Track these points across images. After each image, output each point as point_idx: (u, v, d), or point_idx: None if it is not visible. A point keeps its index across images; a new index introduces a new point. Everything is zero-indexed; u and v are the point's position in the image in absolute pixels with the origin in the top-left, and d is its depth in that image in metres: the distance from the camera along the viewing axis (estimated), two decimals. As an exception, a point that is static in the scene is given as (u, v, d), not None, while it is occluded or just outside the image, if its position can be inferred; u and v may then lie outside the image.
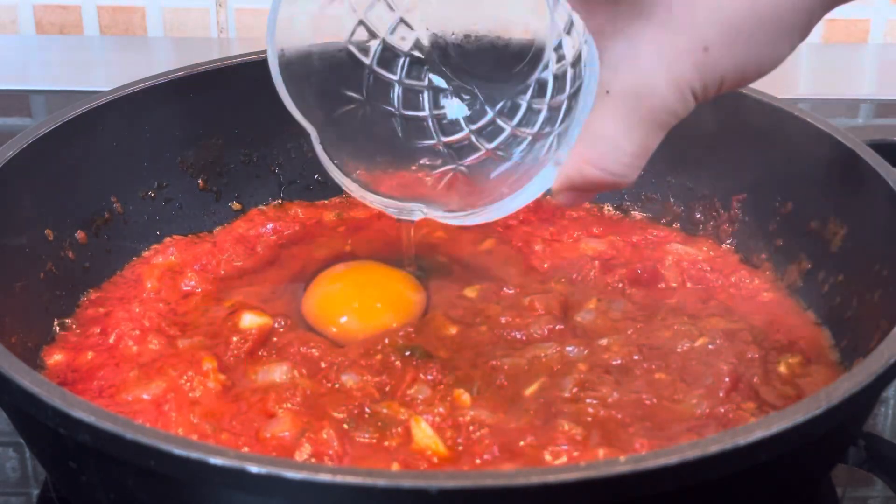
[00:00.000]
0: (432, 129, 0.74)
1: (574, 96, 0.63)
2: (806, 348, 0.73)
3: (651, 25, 0.53)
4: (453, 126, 0.73)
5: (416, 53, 0.72)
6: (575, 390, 0.68)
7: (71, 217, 0.79)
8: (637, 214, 0.88)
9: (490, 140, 0.72)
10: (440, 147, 0.74)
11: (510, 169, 0.70)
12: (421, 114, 0.73)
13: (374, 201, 0.74)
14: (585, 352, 0.71)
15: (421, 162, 0.74)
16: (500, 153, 0.72)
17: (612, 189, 0.60)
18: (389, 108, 0.73)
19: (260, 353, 0.72)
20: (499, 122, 0.71)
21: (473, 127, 0.73)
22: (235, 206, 0.88)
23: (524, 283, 0.79)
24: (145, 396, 0.68)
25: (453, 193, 0.74)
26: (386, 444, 0.65)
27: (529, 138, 0.69)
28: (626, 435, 0.64)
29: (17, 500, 0.71)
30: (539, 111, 0.68)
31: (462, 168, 0.73)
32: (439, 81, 0.73)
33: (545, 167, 0.64)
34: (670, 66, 0.54)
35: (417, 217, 0.74)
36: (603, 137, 0.57)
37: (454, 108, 0.73)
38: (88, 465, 0.58)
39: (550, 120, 0.67)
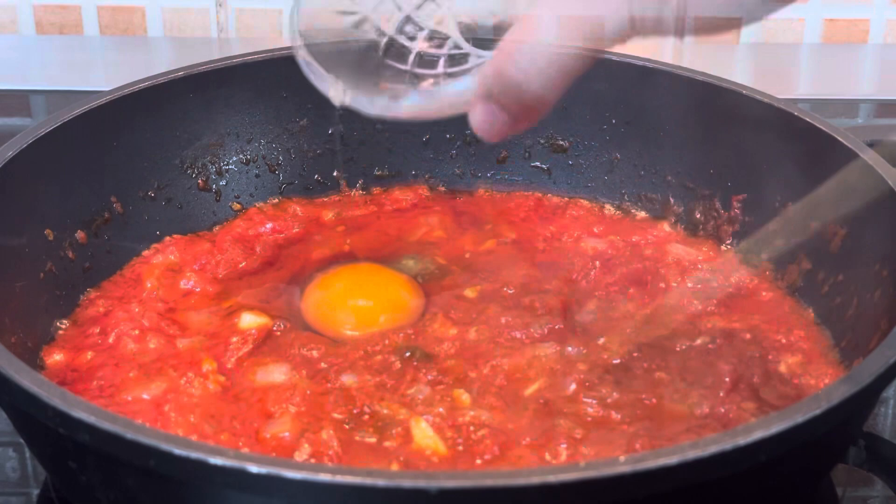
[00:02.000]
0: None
1: None
2: (806, 348, 0.73)
3: None
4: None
5: None
6: (575, 390, 0.68)
7: (71, 217, 0.79)
8: (637, 214, 0.88)
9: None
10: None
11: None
12: None
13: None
14: (585, 352, 0.71)
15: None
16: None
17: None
18: None
19: (259, 354, 0.72)
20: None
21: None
22: (235, 205, 0.88)
23: (524, 283, 0.79)
24: (145, 396, 0.68)
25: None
26: (386, 444, 0.64)
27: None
28: (626, 435, 0.64)
29: (17, 500, 0.71)
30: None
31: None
32: None
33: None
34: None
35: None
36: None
37: None
38: (88, 465, 0.58)
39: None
